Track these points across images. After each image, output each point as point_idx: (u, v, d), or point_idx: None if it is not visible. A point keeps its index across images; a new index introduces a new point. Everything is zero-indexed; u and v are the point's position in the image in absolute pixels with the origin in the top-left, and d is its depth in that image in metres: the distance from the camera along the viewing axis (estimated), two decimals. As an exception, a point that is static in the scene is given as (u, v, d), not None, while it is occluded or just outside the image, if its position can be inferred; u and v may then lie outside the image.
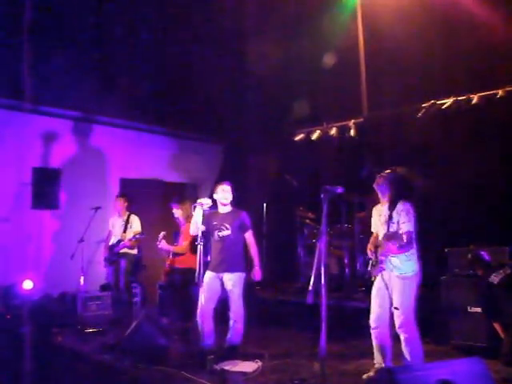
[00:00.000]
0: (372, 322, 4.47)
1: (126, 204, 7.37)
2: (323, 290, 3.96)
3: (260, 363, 4.93)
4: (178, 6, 9.44)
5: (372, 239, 4.65)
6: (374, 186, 4.58)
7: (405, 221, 4.30)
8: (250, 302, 6.65)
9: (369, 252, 4.55)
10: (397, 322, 4.32)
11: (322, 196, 4.01)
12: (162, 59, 9.97)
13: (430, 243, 6.62)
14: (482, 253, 5.09)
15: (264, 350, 5.45)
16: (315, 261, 3.92)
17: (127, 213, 7.35)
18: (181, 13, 9.54)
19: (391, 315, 4.40)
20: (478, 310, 5.35)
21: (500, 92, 6.82)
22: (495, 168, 6.63)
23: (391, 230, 4.30)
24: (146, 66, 9.96)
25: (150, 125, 9.61)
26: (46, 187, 8.39)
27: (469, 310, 5.44)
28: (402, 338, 4.33)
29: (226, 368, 4.81)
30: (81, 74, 8.96)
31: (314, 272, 3.89)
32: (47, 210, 8.42)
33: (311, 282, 3.88)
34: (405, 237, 4.20)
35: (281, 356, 5.30)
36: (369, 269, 4.45)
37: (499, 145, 6.75)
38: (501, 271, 4.81)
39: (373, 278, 4.48)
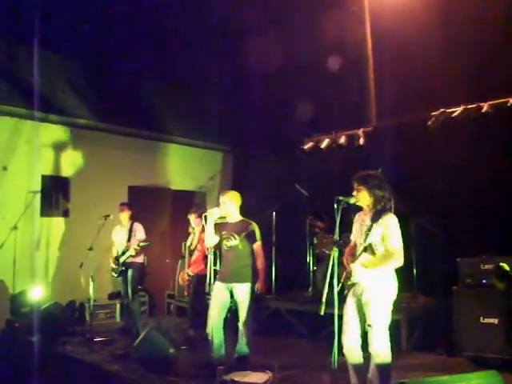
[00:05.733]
0: (346, 340, 4.08)
1: (129, 213, 7.33)
2: (335, 301, 3.93)
3: (270, 374, 4.88)
4: (177, 14, 9.47)
5: (348, 249, 4.30)
6: (354, 193, 4.15)
7: (392, 233, 3.96)
8: (260, 312, 6.66)
9: (345, 262, 4.13)
10: (371, 341, 3.97)
11: (334, 206, 3.96)
12: (166, 67, 10.03)
13: (441, 253, 6.63)
14: (503, 265, 4.99)
15: (274, 360, 5.37)
16: (328, 271, 3.87)
17: (130, 221, 7.31)
18: (181, 23, 9.57)
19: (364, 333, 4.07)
20: (492, 320, 5.29)
21: (511, 100, 6.76)
22: (506, 176, 6.56)
23: (368, 241, 3.91)
24: (151, 75, 10.03)
25: (157, 133, 9.63)
26: (55, 195, 8.45)
27: (482, 321, 5.37)
28: (373, 358, 3.98)
29: (236, 379, 4.76)
30: (89, 83, 9.04)
31: (326, 282, 3.85)
32: (56, 218, 8.45)
33: (324, 293, 3.84)
34: (394, 251, 3.86)
35: (291, 366, 5.24)
36: (342, 281, 4.04)
37: (510, 153, 6.68)
38: None
39: (345, 292, 4.11)
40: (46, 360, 5.77)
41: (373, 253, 3.79)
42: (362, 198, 4.13)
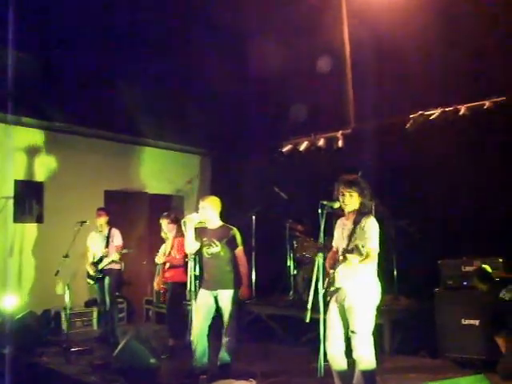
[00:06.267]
0: (330, 347, 4.02)
1: (107, 218, 7.19)
2: (321, 307, 3.87)
3: (254, 382, 4.79)
4: (149, 16, 9.32)
5: (330, 254, 4.26)
6: (341, 198, 4.12)
7: (370, 235, 3.97)
8: (240, 317, 6.56)
9: (327, 268, 4.10)
10: (355, 347, 3.96)
11: (319, 211, 3.90)
12: (146, 68, 9.86)
13: (421, 255, 6.64)
14: (485, 266, 5.01)
15: (257, 367, 5.33)
16: (313, 277, 3.82)
17: (108, 227, 7.17)
18: (154, 24, 9.43)
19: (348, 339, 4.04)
20: (473, 322, 5.32)
21: (487, 103, 6.83)
22: (485, 178, 6.61)
23: (352, 245, 3.92)
24: (130, 76, 9.85)
25: (133, 136, 9.48)
26: (29, 200, 8.21)
27: (463, 323, 5.40)
28: (358, 364, 3.96)
29: (219, 388, 4.67)
30: (63, 86, 8.82)
31: (312, 289, 3.79)
32: (30, 224, 8.22)
33: (309, 300, 3.77)
34: (370, 252, 3.85)
35: (275, 373, 5.18)
36: (325, 287, 3.98)
37: (487, 155, 6.75)
38: (510, 286, 4.70)
39: (328, 298, 4.06)
40: (21, 373, 5.56)
41: (360, 254, 3.75)
42: (353, 202, 4.11)
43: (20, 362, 5.86)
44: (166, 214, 6.74)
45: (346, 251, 3.85)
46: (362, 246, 3.73)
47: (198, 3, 8.27)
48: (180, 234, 6.32)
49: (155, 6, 9.18)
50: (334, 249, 4.31)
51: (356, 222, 4.08)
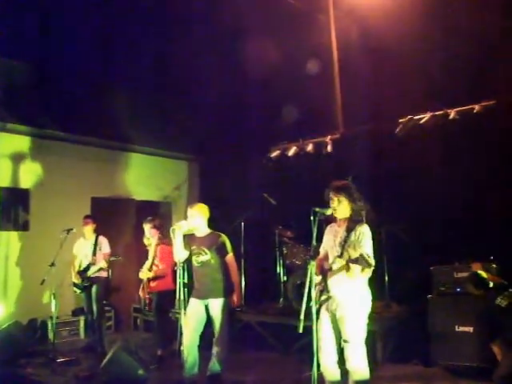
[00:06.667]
0: (322, 358, 3.96)
1: (93, 226, 7.08)
2: (314, 316, 3.79)
3: (245, 392, 4.71)
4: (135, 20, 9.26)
5: (318, 261, 4.09)
6: (333, 204, 4.07)
7: (365, 244, 3.90)
8: (231, 326, 6.46)
9: (315, 276, 3.94)
10: (348, 357, 3.91)
11: (311, 218, 3.83)
12: (133, 74, 9.78)
13: (412, 260, 6.60)
14: (480, 272, 4.94)
15: (247, 376, 5.24)
16: (306, 285, 3.73)
17: (95, 234, 7.06)
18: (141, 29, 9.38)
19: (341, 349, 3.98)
20: (467, 329, 5.27)
21: (476, 107, 6.82)
22: (474, 182, 6.59)
23: (345, 253, 3.86)
24: (117, 82, 9.76)
25: (120, 142, 9.36)
26: (14, 208, 8.04)
27: (456, 330, 5.34)
28: (351, 375, 3.90)
29: (210, 399, 4.58)
30: (50, 92, 8.71)
31: (304, 299, 3.70)
32: (16, 232, 8.06)
33: (302, 310, 3.68)
34: (368, 258, 3.72)
35: (266, 383, 5.08)
36: (314, 296, 3.84)
37: (477, 159, 6.74)
38: (506, 293, 4.65)
39: (318, 307, 3.98)
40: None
41: (368, 264, 3.66)
42: (342, 209, 4.05)
43: (5, 373, 5.71)
44: (149, 218, 6.58)
45: (351, 261, 3.75)
46: (368, 256, 3.66)
47: (185, 6, 8.20)
48: (162, 241, 6.23)
49: (140, 12, 9.12)
50: (321, 255, 4.22)
51: (349, 230, 4.02)
